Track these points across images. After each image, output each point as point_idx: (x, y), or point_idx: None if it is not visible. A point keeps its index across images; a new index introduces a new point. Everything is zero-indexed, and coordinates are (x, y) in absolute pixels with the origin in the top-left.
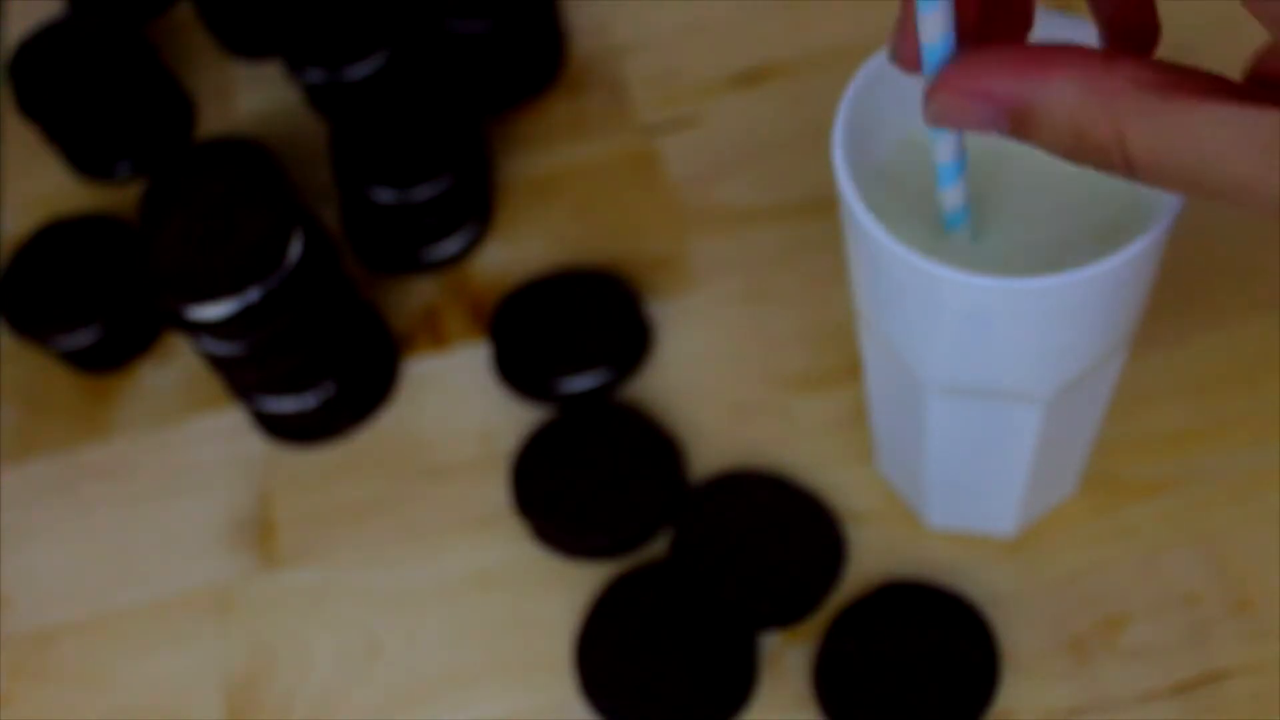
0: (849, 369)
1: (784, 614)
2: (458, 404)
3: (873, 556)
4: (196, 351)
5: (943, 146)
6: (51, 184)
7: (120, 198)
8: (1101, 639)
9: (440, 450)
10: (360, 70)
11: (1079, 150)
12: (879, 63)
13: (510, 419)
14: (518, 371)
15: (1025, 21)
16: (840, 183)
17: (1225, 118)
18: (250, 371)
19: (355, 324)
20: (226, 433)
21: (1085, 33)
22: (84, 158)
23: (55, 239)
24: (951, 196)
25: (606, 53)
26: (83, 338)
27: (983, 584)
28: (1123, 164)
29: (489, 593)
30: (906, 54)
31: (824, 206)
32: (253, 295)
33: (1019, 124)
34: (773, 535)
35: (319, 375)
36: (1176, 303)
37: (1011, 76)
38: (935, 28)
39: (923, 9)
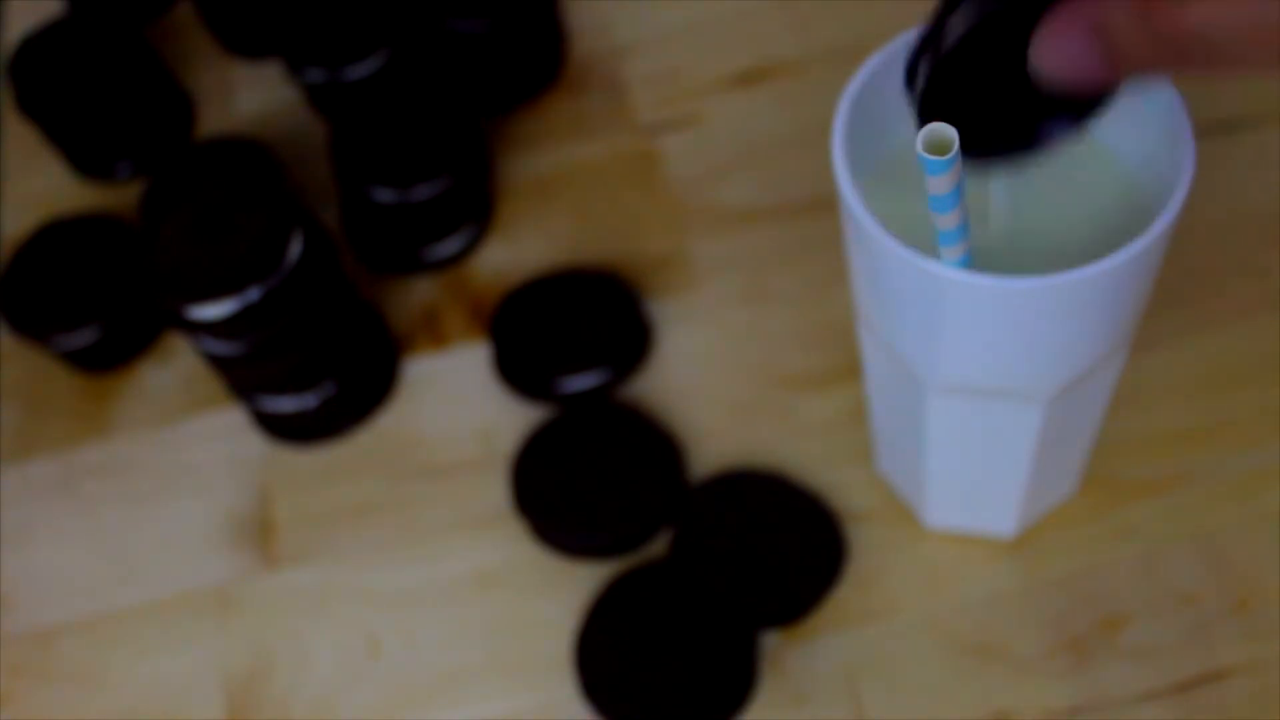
0: (849, 369)
1: (784, 613)
2: (458, 404)
3: (873, 556)
4: (196, 351)
5: (940, 181)
6: (51, 184)
7: (120, 198)
8: (1101, 639)
9: (440, 450)
10: (360, 70)
11: (1157, 46)
12: (879, 62)
13: (510, 419)
14: (518, 371)
15: None
16: (840, 183)
17: None
18: (250, 371)
19: (355, 324)
20: (226, 432)
21: None
22: (84, 158)
23: (55, 239)
24: (949, 219)
25: (606, 53)
26: (83, 338)
27: (983, 584)
28: (1199, 46)
29: (489, 593)
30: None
31: (824, 206)
32: (253, 295)
33: (1107, 52)
34: (773, 535)
35: (319, 375)
36: (1176, 303)
37: (1081, 11)
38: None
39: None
